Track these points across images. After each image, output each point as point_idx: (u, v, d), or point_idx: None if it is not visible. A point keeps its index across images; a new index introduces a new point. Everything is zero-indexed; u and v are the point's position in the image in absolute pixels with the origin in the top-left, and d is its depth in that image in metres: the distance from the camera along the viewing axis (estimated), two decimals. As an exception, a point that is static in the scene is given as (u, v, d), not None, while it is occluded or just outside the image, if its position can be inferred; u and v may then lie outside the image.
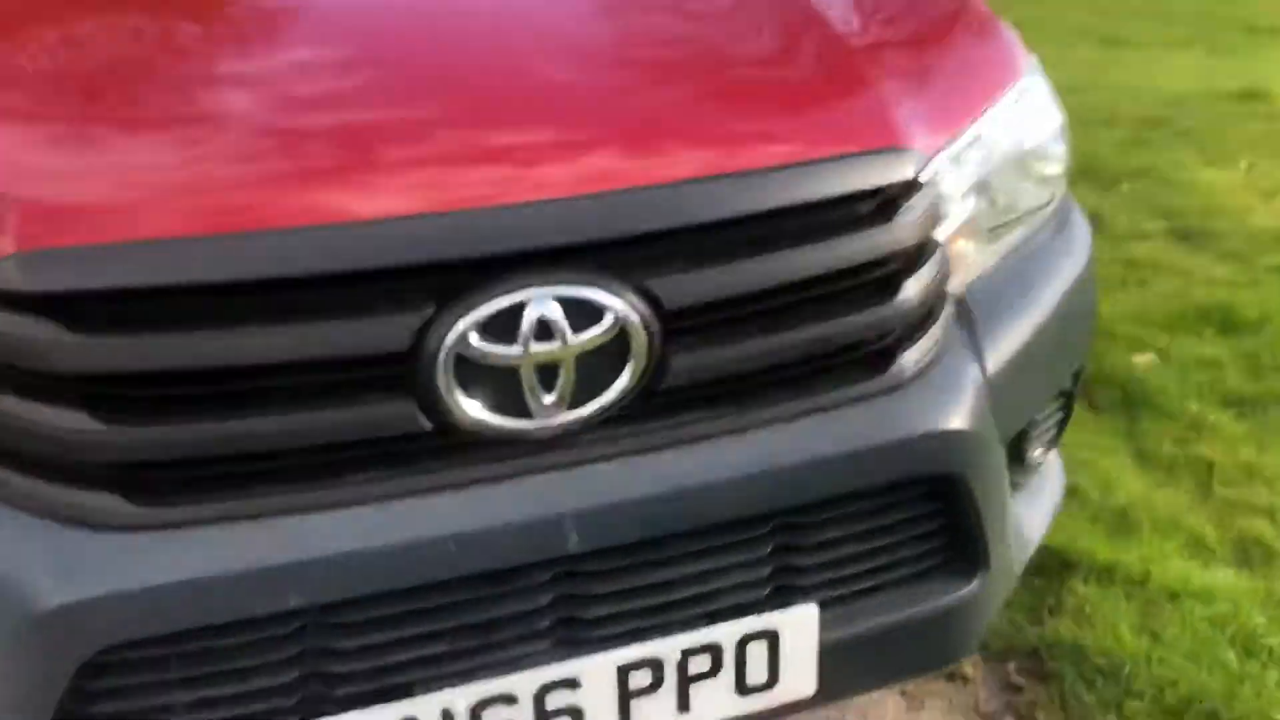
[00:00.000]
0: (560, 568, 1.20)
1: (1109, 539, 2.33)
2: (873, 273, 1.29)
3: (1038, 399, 1.55)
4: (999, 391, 1.39)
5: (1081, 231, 1.68)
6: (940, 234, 1.39)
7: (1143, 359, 3.02)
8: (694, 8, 1.58)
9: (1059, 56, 6.69)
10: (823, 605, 1.30)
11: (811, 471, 1.26)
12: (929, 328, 1.35)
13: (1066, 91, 5.38)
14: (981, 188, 1.47)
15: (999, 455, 1.42)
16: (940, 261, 1.36)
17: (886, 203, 1.30)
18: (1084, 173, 4.45)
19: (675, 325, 1.19)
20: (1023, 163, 1.55)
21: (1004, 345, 1.42)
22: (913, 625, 1.38)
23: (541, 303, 1.12)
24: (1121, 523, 2.39)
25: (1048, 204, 1.61)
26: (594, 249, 1.15)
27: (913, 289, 1.31)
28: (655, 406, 1.21)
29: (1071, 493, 2.48)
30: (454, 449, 1.15)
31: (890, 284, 1.30)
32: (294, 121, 1.20)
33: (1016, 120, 1.55)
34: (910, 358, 1.32)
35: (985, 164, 1.48)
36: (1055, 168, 1.62)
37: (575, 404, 1.16)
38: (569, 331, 1.13)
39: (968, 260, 1.46)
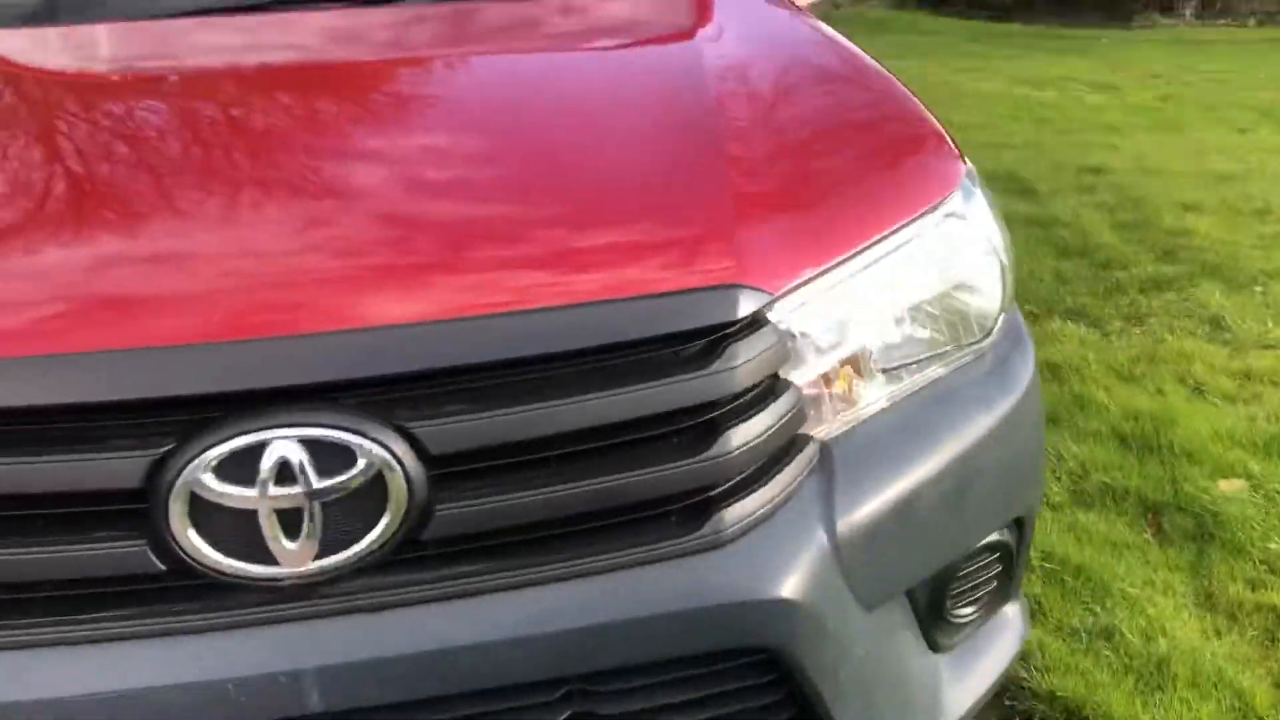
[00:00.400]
0: None
1: (1135, 694, 2.08)
2: (688, 419, 1.17)
3: (934, 556, 1.38)
4: (861, 552, 1.24)
5: (1022, 372, 1.49)
6: (798, 375, 1.26)
7: (1230, 486, 2.73)
8: (542, 113, 1.49)
9: (1228, 141, 6.31)
10: (630, 781, 1.18)
11: (607, 634, 1.14)
12: (764, 480, 1.21)
13: (1221, 179, 5.07)
14: (871, 323, 1.34)
15: (853, 623, 1.26)
16: (788, 407, 1.23)
17: (711, 344, 1.19)
18: (1215, 270, 4.13)
19: (443, 471, 1.10)
20: (939, 297, 1.41)
21: (874, 500, 1.27)
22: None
23: (283, 444, 1.05)
24: (1156, 675, 2.13)
25: (974, 342, 1.45)
26: (348, 389, 1.09)
27: (740, 438, 1.18)
28: (420, 557, 1.12)
29: (1107, 634, 2.24)
30: (191, 592, 1.09)
31: (710, 432, 1.18)
32: (31, 250, 1.18)
33: (930, 248, 1.40)
34: (734, 513, 1.19)
35: (879, 297, 1.34)
36: (986, 303, 1.46)
37: (328, 551, 1.09)
38: (314, 475, 1.06)
39: (848, 403, 1.32)
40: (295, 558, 1.08)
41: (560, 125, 1.46)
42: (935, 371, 1.40)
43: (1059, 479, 2.75)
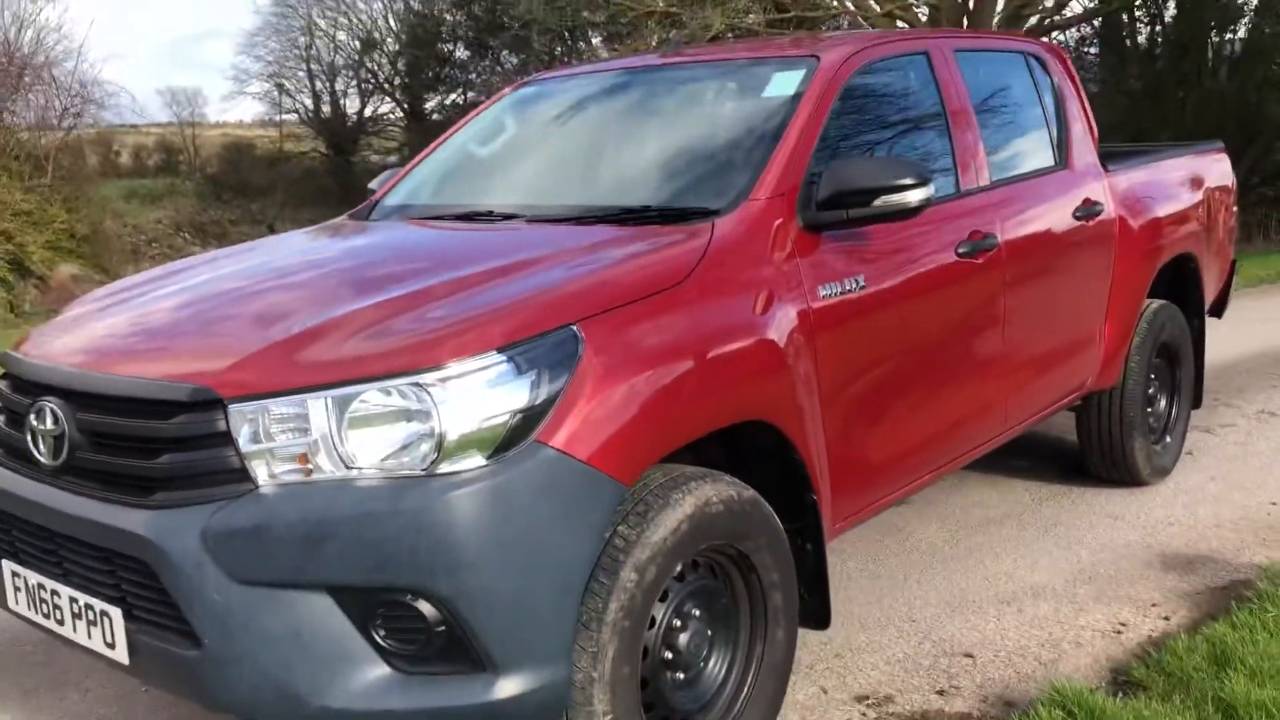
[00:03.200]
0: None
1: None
2: (156, 445, 2.49)
3: (298, 576, 2.35)
4: (224, 542, 2.35)
5: (457, 485, 2.32)
6: (250, 445, 2.40)
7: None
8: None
9: None
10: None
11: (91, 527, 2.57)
12: (194, 487, 2.43)
13: None
14: (325, 432, 2.37)
15: (213, 576, 2.34)
16: (217, 454, 2.41)
17: (168, 410, 2.47)
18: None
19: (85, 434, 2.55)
20: (389, 437, 2.38)
21: (243, 518, 2.35)
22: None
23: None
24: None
25: (421, 471, 2.34)
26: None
27: (170, 460, 2.45)
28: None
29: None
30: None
31: (156, 452, 2.48)
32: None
33: (379, 401, 2.36)
34: (163, 496, 2.45)
35: (343, 421, 2.37)
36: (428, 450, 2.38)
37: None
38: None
39: (300, 470, 2.38)
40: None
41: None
42: (394, 466, 2.34)
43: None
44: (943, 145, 3.85)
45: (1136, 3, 19.75)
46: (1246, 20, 19.48)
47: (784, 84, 3.48)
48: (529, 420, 2.41)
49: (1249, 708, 3.06)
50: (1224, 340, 8.61)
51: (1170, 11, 20.47)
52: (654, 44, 16.25)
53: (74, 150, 15.55)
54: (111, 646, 2.53)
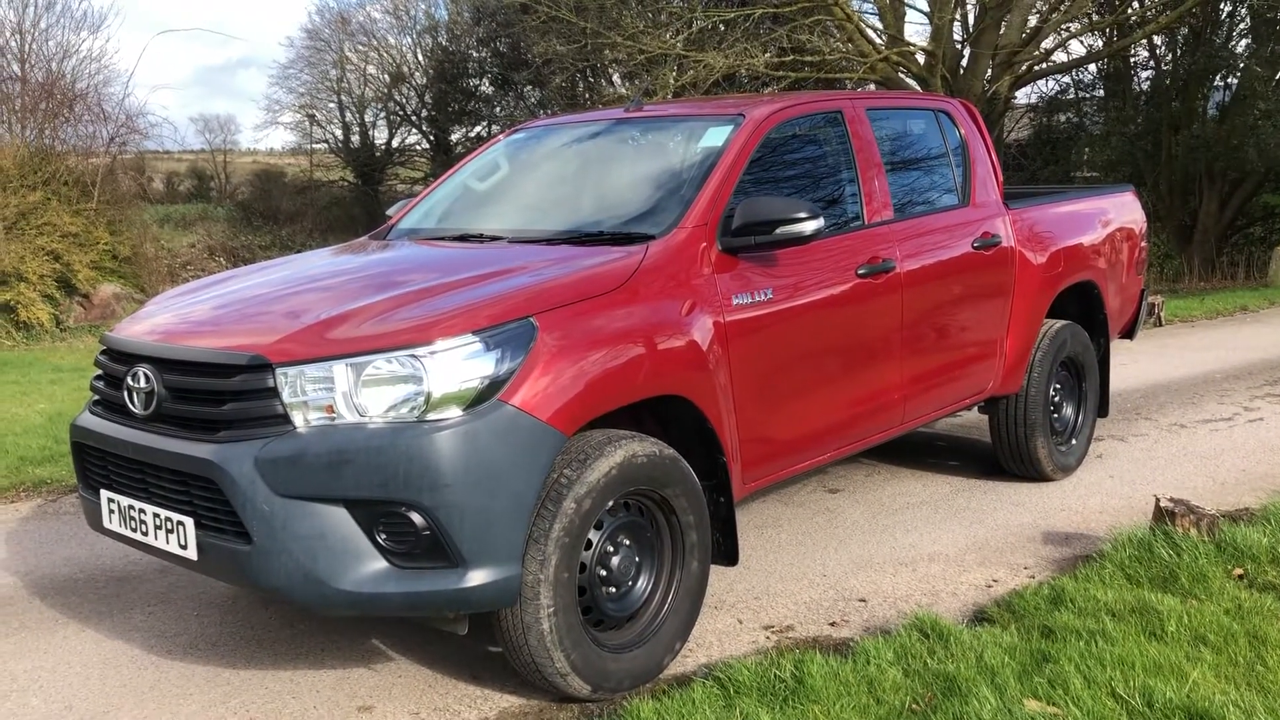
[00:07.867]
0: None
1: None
2: (221, 396, 3.35)
3: (325, 490, 3.19)
4: (271, 466, 3.19)
5: (440, 426, 3.18)
6: (291, 398, 3.25)
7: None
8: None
9: None
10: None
11: (173, 459, 3.39)
12: (244, 427, 3.29)
13: None
14: (347, 387, 3.22)
15: (262, 490, 3.18)
16: (265, 403, 3.26)
17: (234, 370, 3.33)
18: None
19: (172, 390, 3.35)
20: (392, 391, 3.24)
21: (283, 449, 3.21)
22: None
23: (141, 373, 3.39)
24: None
25: (417, 417, 3.25)
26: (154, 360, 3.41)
27: (232, 408, 3.30)
28: (159, 418, 3.39)
29: None
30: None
31: (223, 401, 3.35)
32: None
33: (388, 367, 3.23)
34: (225, 434, 3.30)
35: (360, 378, 3.24)
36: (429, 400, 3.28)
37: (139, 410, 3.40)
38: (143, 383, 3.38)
39: (331, 414, 3.24)
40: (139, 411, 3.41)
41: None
42: (394, 415, 3.20)
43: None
44: (852, 185, 4.73)
45: (1130, 50, 20.64)
46: (1238, 67, 20.32)
47: (715, 136, 4.39)
48: (495, 385, 3.28)
49: (1065, 631, 3.90)
50: (1161, 364, 9.46)
51: (1168, 59, 21.37)
52: (672, 79, 17.29)
53: (111, 175, 16.46)
54: (184, 548, 3.41)
